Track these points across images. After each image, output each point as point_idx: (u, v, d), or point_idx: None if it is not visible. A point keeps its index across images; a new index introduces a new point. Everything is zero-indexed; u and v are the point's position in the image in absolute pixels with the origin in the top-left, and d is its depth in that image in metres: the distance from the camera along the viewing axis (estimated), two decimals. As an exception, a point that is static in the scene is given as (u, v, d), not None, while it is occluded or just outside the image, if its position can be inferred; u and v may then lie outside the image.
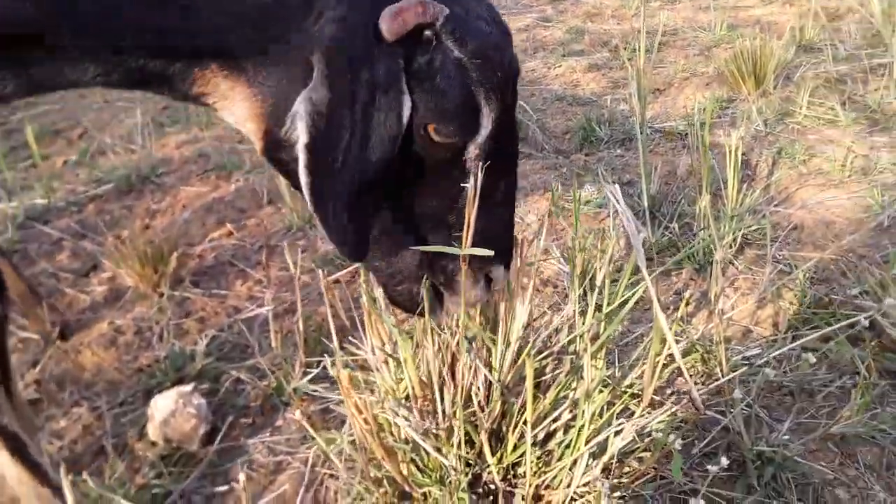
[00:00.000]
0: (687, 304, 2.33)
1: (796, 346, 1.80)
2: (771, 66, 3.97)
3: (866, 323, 1.50)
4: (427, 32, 1.18)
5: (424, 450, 1.54)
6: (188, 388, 2.03)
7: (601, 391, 1.52)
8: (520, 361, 1.51)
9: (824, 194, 2.98)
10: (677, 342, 2.08)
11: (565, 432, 1.56)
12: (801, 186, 3.05)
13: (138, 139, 4.24)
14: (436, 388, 1.49)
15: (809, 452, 1.71)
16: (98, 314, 2.61)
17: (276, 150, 1.27)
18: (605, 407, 1.50)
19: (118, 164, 3.90)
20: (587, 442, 1.43)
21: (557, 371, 1.61)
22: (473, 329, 1.50)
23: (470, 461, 1.55)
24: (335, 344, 1.60)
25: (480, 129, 1.26)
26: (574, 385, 1.56)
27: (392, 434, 1.57)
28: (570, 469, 1.45)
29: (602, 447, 1.46)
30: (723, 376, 1.94)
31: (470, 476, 1.57)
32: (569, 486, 1.48)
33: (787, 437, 1.69)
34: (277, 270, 2.78)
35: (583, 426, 1.46)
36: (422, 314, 1.40)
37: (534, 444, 1.52)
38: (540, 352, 1.62)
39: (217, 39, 1.23)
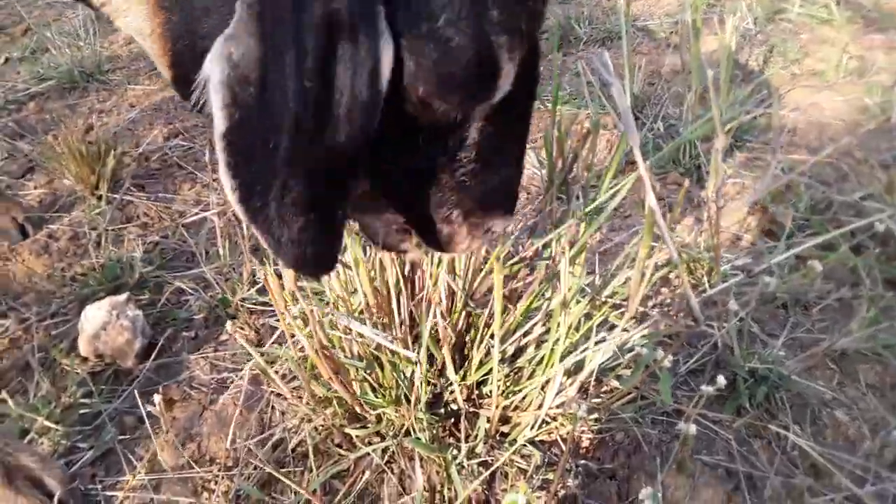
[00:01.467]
0: (671, 210, 2.15)
1: (790, 254, 1.62)
2: (762, -40, 3.71)
3: (881, 228, 1.32)
4: None
5: (379, 365, 1.37)
6: (122, 297, 1.83)
7: (579, 301, 1.35)
8: (487, 266, 1.33)
9: (818, 96, 2.78)
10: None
11: (537, 347, 1.39)
12: (794, 87, 2.84)
13: (85, 35, 3.91)
14: (392, 296, 1.30)
15: (806, 370, 1.56)
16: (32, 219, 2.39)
17: (189, 95, 0.79)
18: (583, 319, 1.33)
19: (62, 62, 3.59)
20: (562, 358, 1.26)
21: (530, 278, 1.42)
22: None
23: (430, 380, 1.38)
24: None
25: (496, 92, 0.82)
26: (549, 294, 1.38)
27: (343, 349, 1.39)
28: (542, 389, 1.29)
29: (579, 365, 1.29)
30: (710, 287, 1.77)
31: (430, 395, 1.40)
32: (540, 407, 1.32)
33: (781, 353, 1.54)
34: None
35: (557, 340, 1.29)
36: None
37: (502, 361, 1.35)
38: (510, 256, 1.43)
39: None
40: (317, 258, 0.82)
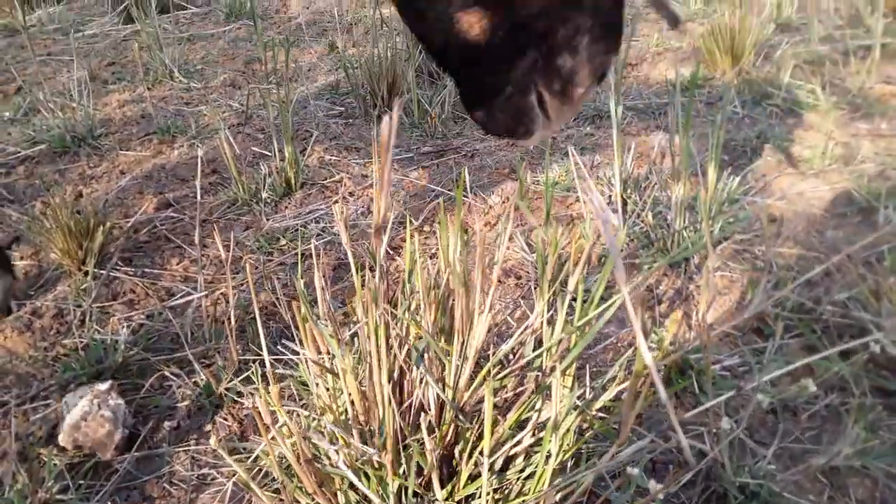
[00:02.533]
0: (661, 303, 2.15)
1: (785, 371, 1.62)
2: (749, 43, 3.79)
3: (878, 349, 1.32)
4: None
5: (365, 476, 1.34)
6: (105, 386, 1.80)
7: (570, 413, 1.33)
8: (478, 379, 1.32)
9: (804, 183, 2.82)
10: (651, 350, 1.90)
11: (526, 458, 1.38)
12: (780, 174, 2.88)
13: (77, 96, 3.92)
14: (379, 406, 1.28)
15: (795, 483, 1.54)
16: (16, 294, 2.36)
17: None
18: (574, 435, 1.32)
19: (54, 123, 3.59)
20: (553, 477, 1.24)
21: (520, 388, 1.41)
22: (425, 339, 1.30)
23: (417, 491, 1.36)
24: (264, 349, 1.38)
25: None
26: (538, 406, 1.37)
27: (328, 458, 1.37)
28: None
29: (569, 486, 1.27)
30: (700, 389, 1.77)
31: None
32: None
33: (772, 466, 1.52)
34: (218, 250, 2.54)
35: (548, 457, 1.27)
36: (523, 134, 1.08)
37: (490, 473, 1.33)
38: (501, 365, 1.42)
39: None
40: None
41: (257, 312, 1.40)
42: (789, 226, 2.53)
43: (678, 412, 1.77)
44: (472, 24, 1.00)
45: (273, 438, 1.25)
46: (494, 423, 1.32)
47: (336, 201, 2.85)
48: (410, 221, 2.63)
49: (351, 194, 2.91)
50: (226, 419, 1.82)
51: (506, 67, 1.02)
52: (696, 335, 1.95)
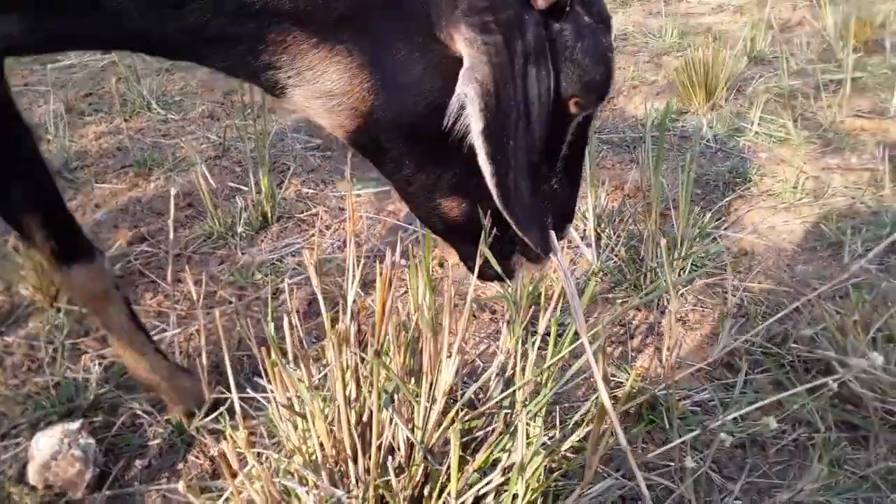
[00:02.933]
0: (633, 337, 2.17)
1: (752, 409, 1.65)
2: (722, 77, 3.85)
3: (835, 386, 1.35)
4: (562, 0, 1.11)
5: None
6: (75, 425, 1.79)
7: (539, 453, 1.35)
8: (446, 421, 1.32)
9: (776, 217, 2.86)
10: (620, 386, 1.92)
11: (497, 497, 1.38)
12: (752, 208, 2.92)
13: (54, 129, 3.92)
14: (348, 449, 1.29)
15: (763, 520, 1.56)
16: (-13, 329, 2.34)
17: (378, 135, 1.18)
18: (544, 473, 1.33)
19: (29, 155, 3.57)
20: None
21: (489, 428, 1.42)
22: (394, 381, 1.31)
23: (387, 531, 1.36)
24: (233, 389, 1.38)
25: (609, 92, 1.22)
26: (508, 445, 1.38)
27: (299, 499, 1.37)
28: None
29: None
30: (669, 424, 1.78)
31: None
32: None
33: (738, 500, 1.54)
34: (192, 284, 2.54)
35: (515, 497, 1.28)
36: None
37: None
38: (472, 406, 1.43)
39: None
40: (543, 241, 1.19)
41: (226, 354, 1.40)
42: (760, 260, 2.57)
43: (649, 448, 1.78)
44: (453, 208, 1.27)
45: (241, 482, 1.25)
46: (464, 464, 1.33)
47: (313, 234, 2.86)
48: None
49: (328, 227, 2.92)
50: (198, 457, 1.82)
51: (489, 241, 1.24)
52: (670, 367, 1.97)
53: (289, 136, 3.84)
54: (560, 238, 1.30)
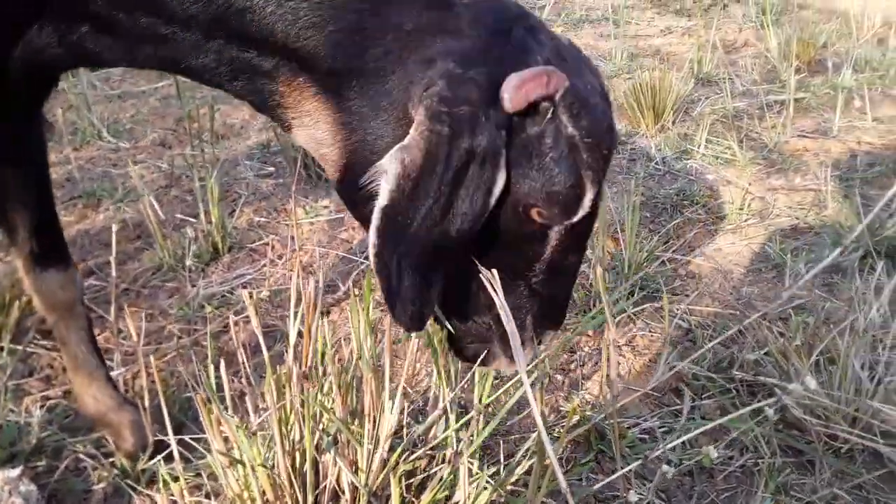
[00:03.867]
0: (583, 365, 2.19)
1: (696, 434, 1.67)
2: (670, 100, 3.92)
3: (771, 412, 1.37)
4: (544, 103, 1.08)
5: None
6: (15, 472, 1.74)
7: (486, 488, 1.35)
8: (390, 463, 1.32)
9: (722, 239, 2.91)
10: (563, 418, 1.93)
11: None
12: (699, 231, 2.97)
13: None
14: (287, 498, 1.28)
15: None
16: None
17: (352, 191, 1.17)
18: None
19: (-26, 187, 3.51)
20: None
21: (435, 468, 1.42)
22: (336, 423, 1.31)
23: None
24: (170, 433, 1.36)
25: (580, 211, 1.15)
26: (454, 482, 1.38)
27: (242, 546, 1.35)
28: None
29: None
30: (616, 451, 1.79)
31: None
32: None
33: (685, 531, 1.55)
34: (140, 319, 2.51)
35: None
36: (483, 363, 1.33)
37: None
38: (415, 445, 1.43)
39: (311, 50, 1.16)
40: (412, 315, 1.11)
41: (162, 397, 1.39)
42: (707, 283, 2.60)
43: (599, 477, 1.79)
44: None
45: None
46: (408, 505, 1.33)
47: (264, 265, 2.84)
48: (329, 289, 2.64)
49: (280, 257, 2.91)
50: (144, 502, 1.79)
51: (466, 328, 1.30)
52: (612, 399, 1.98)
53: (242, 163, 3.82)
54: (533, 342, 1.30)
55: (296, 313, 1.37)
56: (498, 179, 1.07)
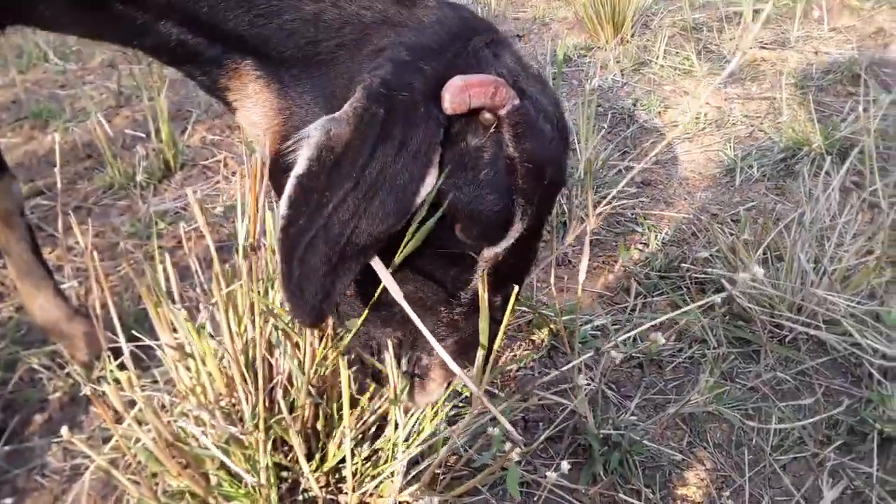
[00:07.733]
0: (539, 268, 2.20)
1: (645, 328, 1.70)
2: (629, 12, 3.87)
3: (719, 300, 1.39)
4: (488, 116, 1.01)
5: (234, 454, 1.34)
6: (-33, 383, 1.74)
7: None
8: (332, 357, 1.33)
9: (679, 148, 2.92)
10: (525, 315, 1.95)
11: (397, 428, 1.40)
12: (655, 140, 2.97)
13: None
14: (239, 388, 1.28)
15: (658, 433, 1.62)
16: None
17: (280, 175, 1.09)
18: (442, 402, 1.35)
19: (-84, 111, 3.41)
20: (409, 446, 1.27)
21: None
22: (284, 319, 1.30)
23: (288, 466, 1.37)
24: (120, 336, 1.36)
25: (505, 240, 1.10)
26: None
27: (196, 439, 1.36)
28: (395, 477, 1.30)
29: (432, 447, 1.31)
30: (570, 349, 1.82)
31: (289, 483, 1.38)
32: (400, 492, 1.32)
33: (634, 417, 1.59)
34: (80, 235, 2.47)
35: (415, 426, 1.30)
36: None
37: (360, 444, 1.35)
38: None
39: (262, 37, 1.12)
40: (311, 312, 1.00)
41: (110, 301, 1.38)
42: (662, 189, 2.62)
43: (550, 372, 1.83)
44: None
45: (129, 426, 1.24)
46: (355, 402, 1.34)
47: (218, 181, 2.80)
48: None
49: (234, 174, 2.87)
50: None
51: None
52: (568, 299, 2.01)
53: (192, 83, 3.72)
54: (460, 365, 1.14)
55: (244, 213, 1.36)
56: (427, 179, 0.99)
